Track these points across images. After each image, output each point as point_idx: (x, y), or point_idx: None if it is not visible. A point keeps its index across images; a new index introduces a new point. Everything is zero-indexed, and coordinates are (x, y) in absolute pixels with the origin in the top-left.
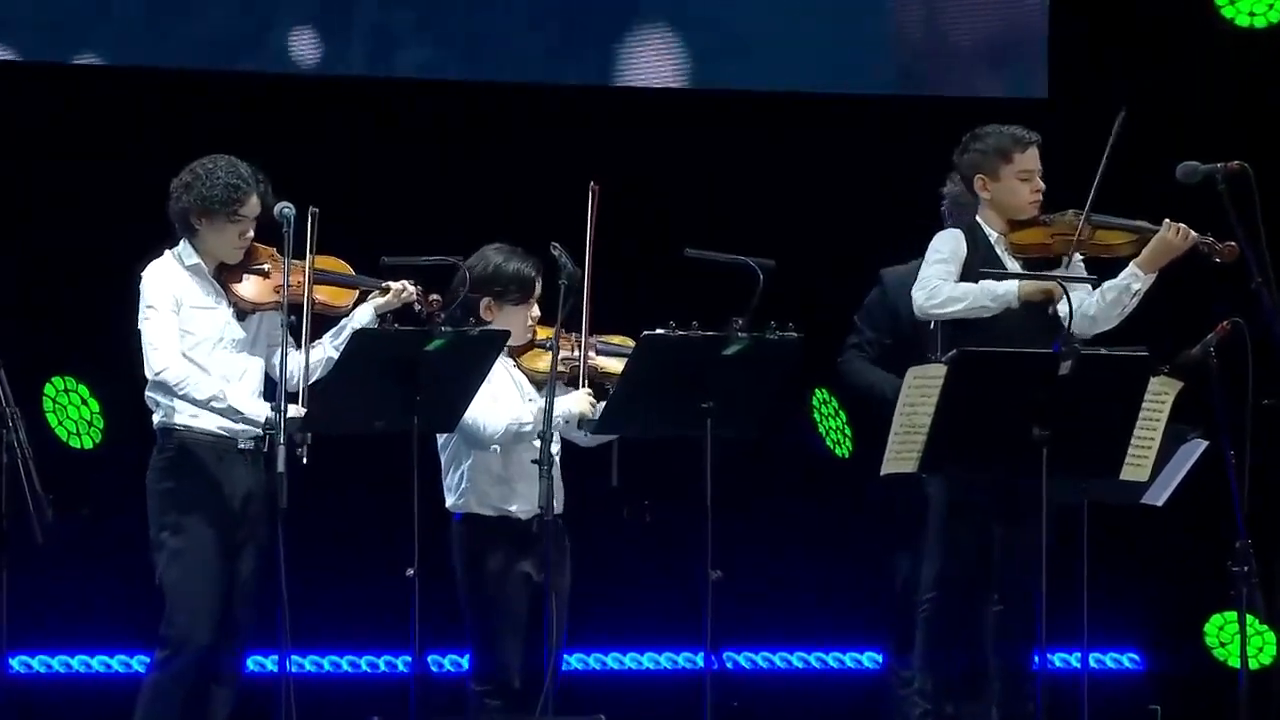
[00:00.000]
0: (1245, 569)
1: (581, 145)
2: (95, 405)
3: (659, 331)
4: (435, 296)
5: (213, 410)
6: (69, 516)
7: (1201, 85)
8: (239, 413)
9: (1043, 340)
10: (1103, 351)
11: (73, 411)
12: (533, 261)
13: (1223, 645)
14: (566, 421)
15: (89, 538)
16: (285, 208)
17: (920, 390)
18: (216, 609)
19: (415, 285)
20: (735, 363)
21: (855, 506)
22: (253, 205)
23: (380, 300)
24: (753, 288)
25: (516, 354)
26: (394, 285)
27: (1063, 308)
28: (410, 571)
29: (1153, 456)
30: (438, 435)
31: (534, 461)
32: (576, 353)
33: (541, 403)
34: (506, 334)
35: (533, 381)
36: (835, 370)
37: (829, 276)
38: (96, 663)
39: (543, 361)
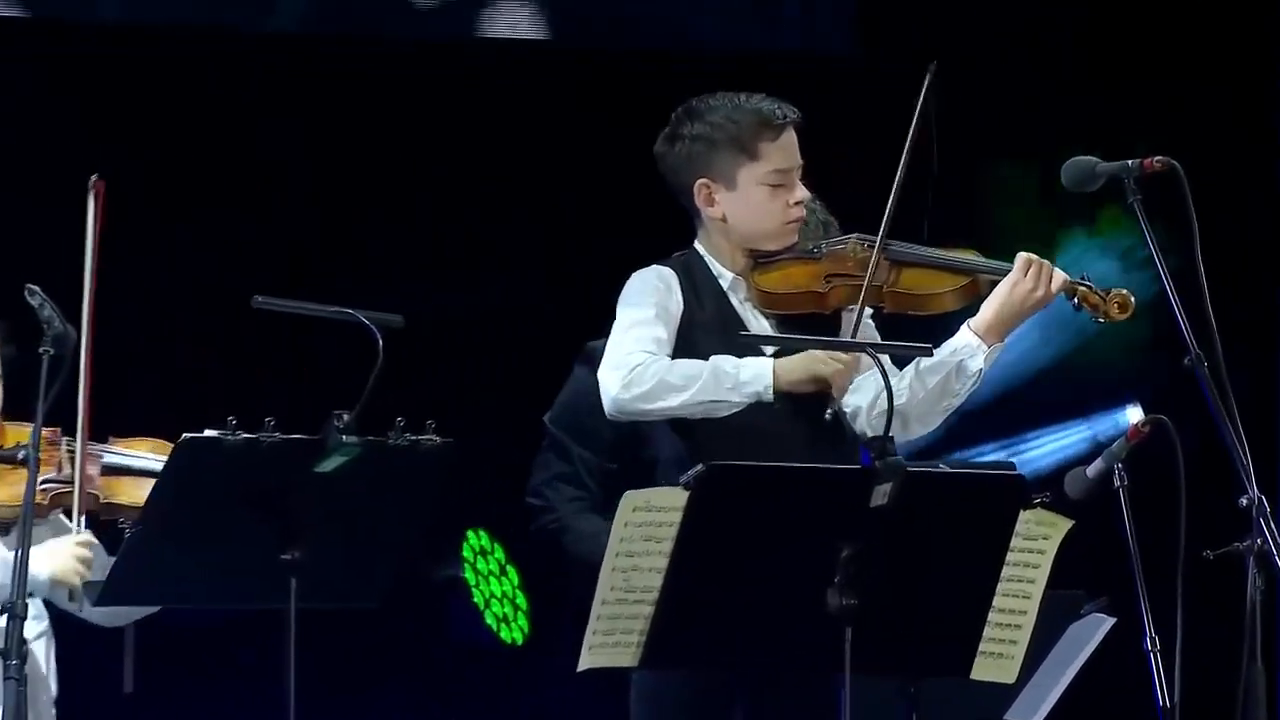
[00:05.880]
0: None
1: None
2: None
3: (208, 433)
4: None
5: None
6: None
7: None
8: None
9: (821, 450)
10: (943, 469)
11: None
12: None
13: None
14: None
15: None
16: None
17: (643, 531)
18: None
19: None
20: (339, 485)
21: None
22: None
23: None
24: (370, 359)
25: None
26: None
27: (856, 398)
28: None
29: (1025, 642)
30: None
31: None
32: (68, 469)
33: (7, 554)
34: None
35: None
36: (534, 538)
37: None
38: None
39: (10, 485)
